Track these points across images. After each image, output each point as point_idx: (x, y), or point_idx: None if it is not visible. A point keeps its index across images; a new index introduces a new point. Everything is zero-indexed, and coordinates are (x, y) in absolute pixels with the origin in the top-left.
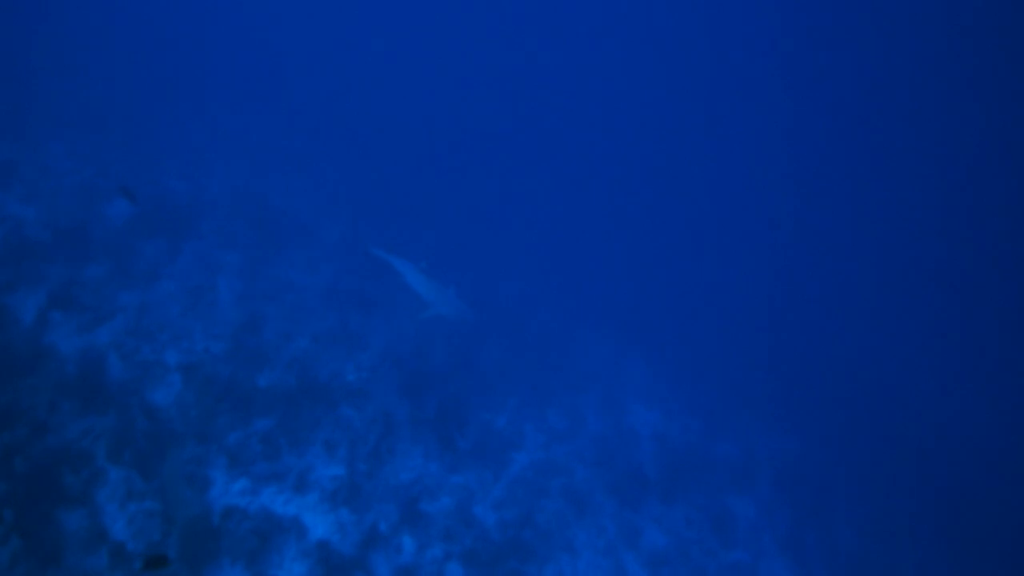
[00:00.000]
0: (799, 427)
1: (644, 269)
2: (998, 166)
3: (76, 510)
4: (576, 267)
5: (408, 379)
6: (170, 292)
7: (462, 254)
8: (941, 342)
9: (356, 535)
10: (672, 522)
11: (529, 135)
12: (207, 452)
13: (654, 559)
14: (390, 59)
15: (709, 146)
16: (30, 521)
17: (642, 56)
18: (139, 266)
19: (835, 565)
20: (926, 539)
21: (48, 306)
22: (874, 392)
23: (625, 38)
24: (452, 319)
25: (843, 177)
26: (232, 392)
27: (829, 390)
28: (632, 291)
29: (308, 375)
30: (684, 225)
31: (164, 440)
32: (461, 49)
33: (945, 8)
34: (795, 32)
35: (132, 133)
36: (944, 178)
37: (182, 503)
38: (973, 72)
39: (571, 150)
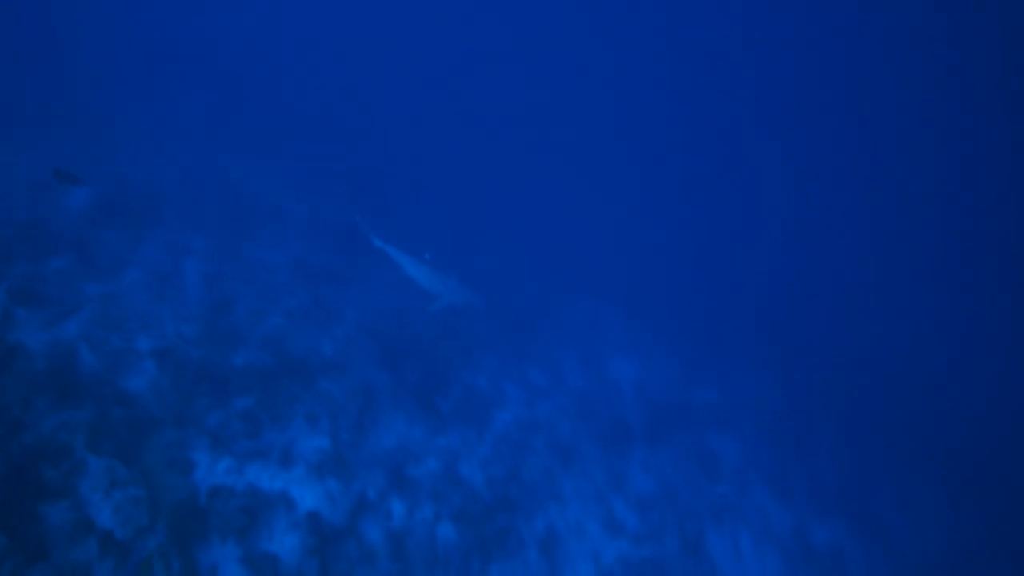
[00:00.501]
0: (778, 370)
1: (621, 231)
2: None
3: (59, 503)
4: (552, 236)
5: (385, 348)
6: (136, 280)
7: (436, 230)
8: (915, 283)
9: (345, 504)
10: (658, 465)
11: (505, 117)
12: (188, 435)
13: (642, 501)
14: (364, 40)
15: (675, 112)
16: (13, 518)
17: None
18: (103, 256)
19: (818, 495)
20: (903, 468)
21: (11, 303)
22: (851, 333)
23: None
24: (461, 308)
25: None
26: (208, 373)
27: (807, 334)
28: (609, 252)
29: (284, 351)
30: (661, 186)
31: (143, 427)
32: (436, 33)
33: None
34: None
35: (91, 127)
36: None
37: (167, 487)
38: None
39: (543, 126)
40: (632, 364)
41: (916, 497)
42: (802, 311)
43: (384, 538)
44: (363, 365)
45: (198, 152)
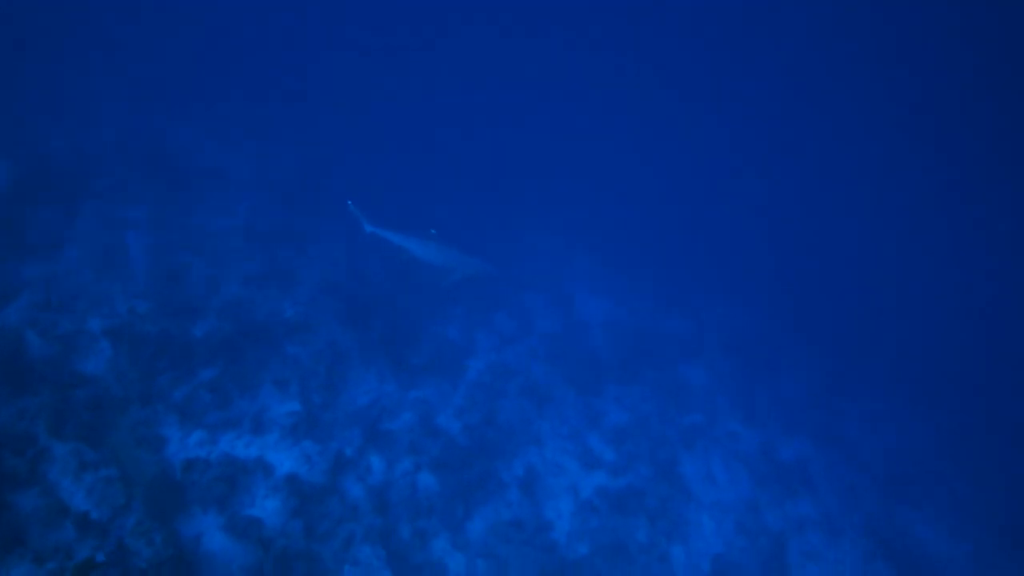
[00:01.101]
0: (744, 298)
1: (591, 169)
2: None
3: (29, 490)
4: (519, 179)
5: (350, 306)
6: (77, 258)
7: (396, 182)
8: (876, 207)
9: (323, 464)
10: (631, 399)
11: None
12: (155, 411)
13: (617, 435)
14: None
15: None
16: None
17: None
18: (35, 236)
19: (784, 415)
20: (865, 385)
21: None
22: (816, 262)
23: None
24: (475, 278)
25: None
26: (168, 348)
27: (775, 264)
28: (578, 191)
29: (245, 318)
30: (633, 125)
31: (107, 408)
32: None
33: None
34: None
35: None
36: None
37: (139, 465)
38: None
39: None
40: (602, 303)
41: (877, 410)
42: (770, 242)
43: (366, 493)
44: (329, 325)
45: (130, 115)
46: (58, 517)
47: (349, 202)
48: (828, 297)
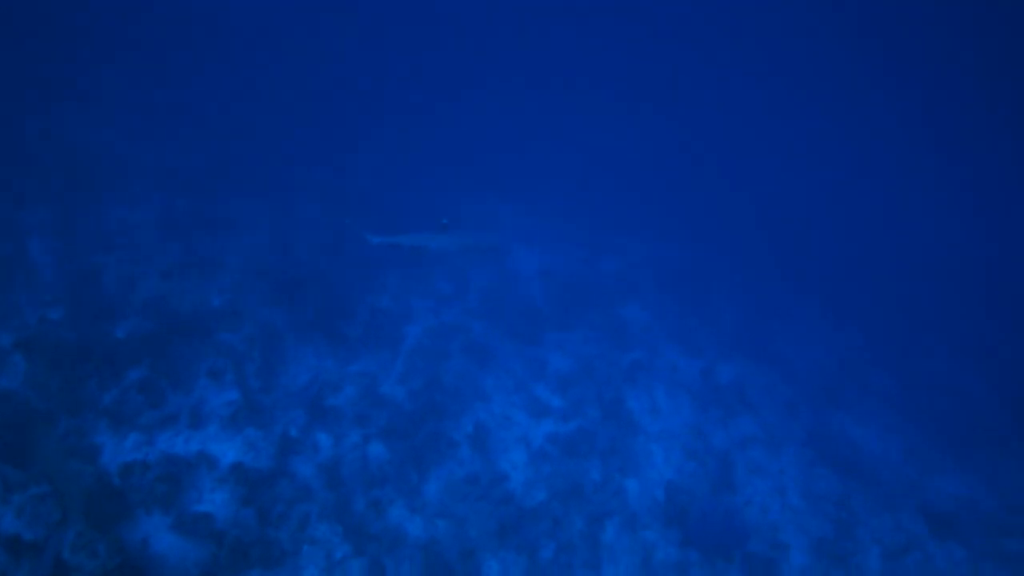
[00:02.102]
0: (675, 236)
1: (511, 128)
2: None
3: None
4: (449, 143)
5: (279, 286)
6: None
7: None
8: (794, 137)
9: (269, 448)
10: (572, 344)
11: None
12: (84, 420)
13: (562, 381)
14: None
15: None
16: None
17: None
18: None
19: (720, 342)
20: (794, 305)
21: None
22: (739, 191)
23: None
24: (489, 251)
25: None
26: (90, 353)
27: (698, 199)
28: (500, 149)
29: (169, 312)
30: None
31: (29, 423)
32: None
33: None
34: None
35: None
36: None
37: (73, 478)
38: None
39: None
40: (536, 254)
41: (806, 327)
42: (696, 180)
43: (316, 471)
44: (259, 308)
45: (20, 114)
46: None
47: (346, 220)
48: (756, 228)
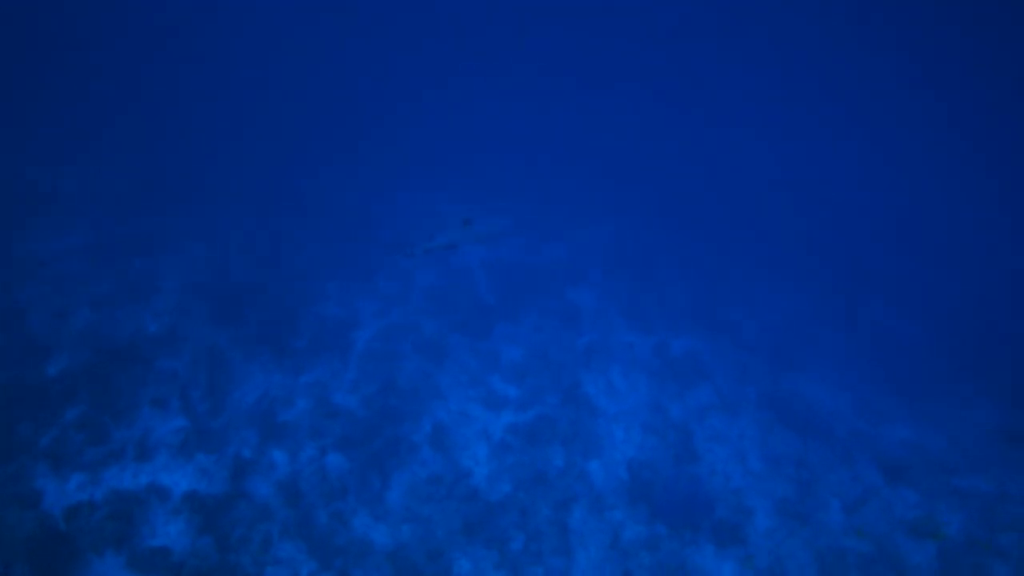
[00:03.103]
0: (618, 218)
1: (448, 123)
2: None
3: None
4: (384, 141)
5: (219, 304)
6: None
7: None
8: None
9: (223, 472)
10: (524, 333)
11: None
12: (22, 465)
13: (517, 371)
14: None
15: None
16: None
17: None
18: None
19: (672, 317)
20: (740, 274)
21: None
22: (683, 165)
23: None
24: (506, 236)
25: None
26: (20, 394)
27: (640, 178)
28: (438, 143)
29: (104, 343)
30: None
31: None
32: None
33: None
34: None
35: None
36: None
37: (14, 526)
38: None
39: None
40: (478, 245)
41: (753, 294)
42: (635, 160)
43: (275, 489)
44: (200, 329)
45: None
46: None
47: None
48: (700, 203)
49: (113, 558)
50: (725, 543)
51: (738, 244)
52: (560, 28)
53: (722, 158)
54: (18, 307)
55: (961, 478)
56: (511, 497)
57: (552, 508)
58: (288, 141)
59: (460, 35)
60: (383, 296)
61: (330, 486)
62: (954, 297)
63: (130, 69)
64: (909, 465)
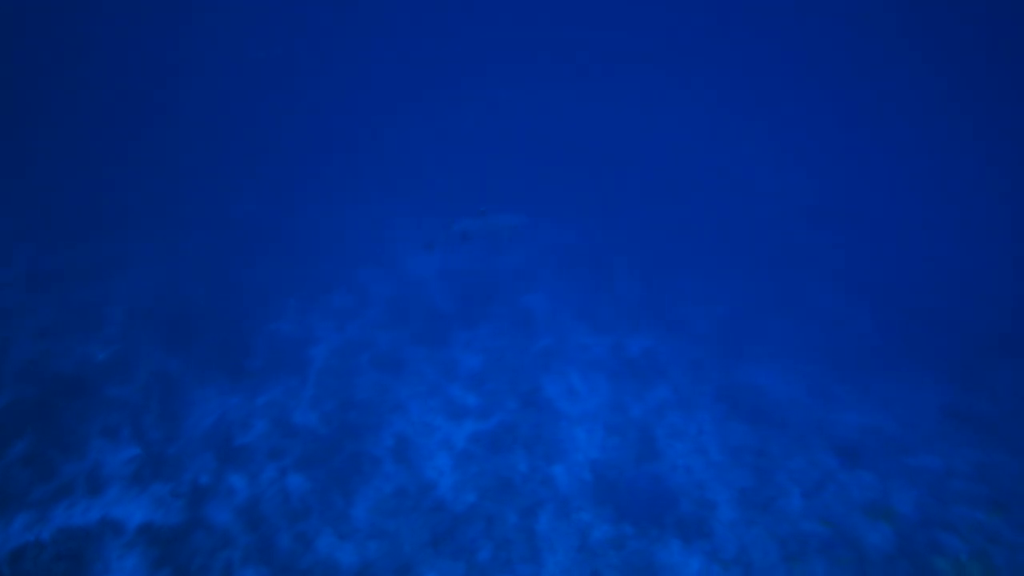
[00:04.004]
0: (573, 222)
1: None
2: None
3: None
4: (329, 156)
5: (170, 328)
6: None
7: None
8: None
9: (179, 500)
10: (481, 341)
11: None
12: None
13: (476, 379)
14: None
15: None
16: None
17: None
18: None
19: (626, 317)
20: (694, 269)
21: None
22: (625, 167)
23: None
24: (519, 229)
25: None
26: None
27: (587, 182)
28: (384, 156)
29: (49, 375)
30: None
31: None
32: None
33: None
34: None
35: None
36: None
37: None
38: None
39: None
40: (431, 256)
41: (703, 289)
42: (580, 163)
43: (235, 515)
44: (151, 354)
45: None
46: None
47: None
48: (649, 204)
49: None
50: (691, 537)
51: (686, 241)
52: (505, 29)
53: (664, 157)
54: None
55: (912, 457)
56: (477, 506)
57: (518, 515)
58: (237, 159)
59: (404, 44)
60: (339, 311)
61: (292, 507)
62: (894, 281)
63: (62, 91)
64: (863, 447)
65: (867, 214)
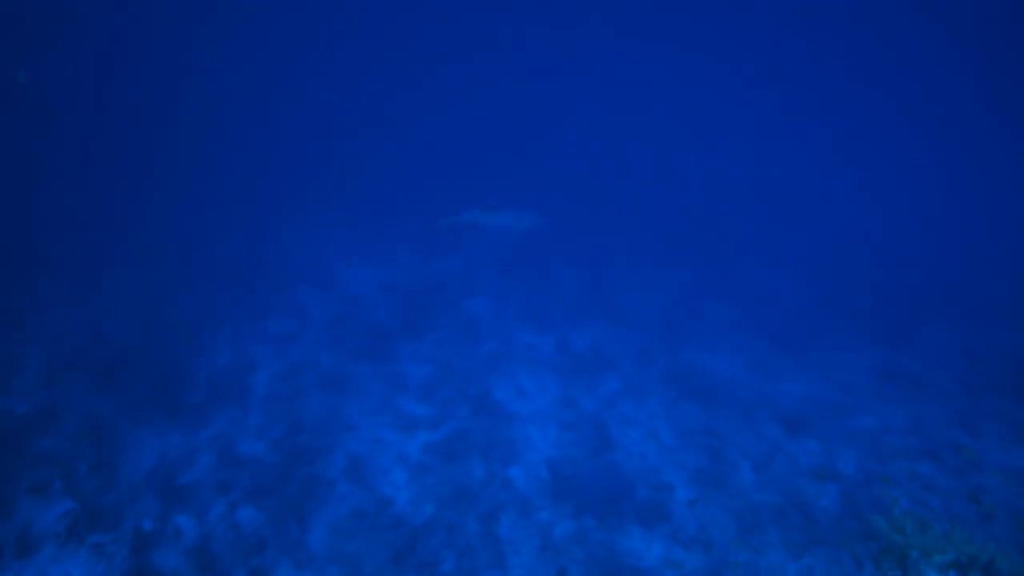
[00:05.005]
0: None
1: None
2: None
3: None
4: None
5: (98, 371)
6: None
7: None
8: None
9: (121, 551)
10: (426, 350)
11: None
12: None
13: (425, 389)
14: None
15: None
16: None
17: None
18: None
19: (569, 313)
20: (632, 259)
21: None
22: (560, 160)
23: None
24: (528, 230)
25: None
26: None
27: (518, 181)
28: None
29: None
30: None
31: None
32: None
33: None
34: None
35: None
36: None
37: None
38: None
39: None
40: (369, 269)
41: (642, 278)
42: (508, 161)
43: (183, 558)
44: (78, 400)
45: None
46: None
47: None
48: (586, 199)
49: None
50: (650, 522)
51: (623, 232)
52: (449, 32)
53: (600, 151)
54: None
55: (851, 418)
56: (436, 517)
57: (479, 521)
58: (163, 186)
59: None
60: (278, 336)
61: (246, 542)
62: (817, 253)
63: None
64: (805, 415)
65: (791, 191)
